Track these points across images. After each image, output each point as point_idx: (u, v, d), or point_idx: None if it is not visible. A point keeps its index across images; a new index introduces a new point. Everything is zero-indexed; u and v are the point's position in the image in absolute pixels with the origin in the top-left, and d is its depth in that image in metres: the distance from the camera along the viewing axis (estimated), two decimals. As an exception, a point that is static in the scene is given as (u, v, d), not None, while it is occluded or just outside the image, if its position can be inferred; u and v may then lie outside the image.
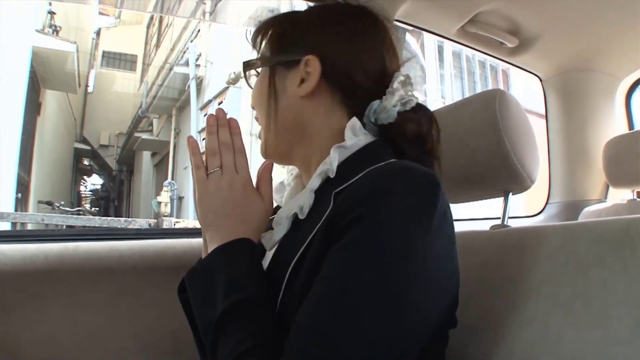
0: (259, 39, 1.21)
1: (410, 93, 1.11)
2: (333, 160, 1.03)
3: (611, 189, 2.68)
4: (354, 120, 1.09)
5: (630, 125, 2.94)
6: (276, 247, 1.07)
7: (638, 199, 2.49)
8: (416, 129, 1.08)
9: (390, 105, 1.07)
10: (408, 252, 0.85)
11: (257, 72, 1.23)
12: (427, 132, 1.09)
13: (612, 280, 0.97)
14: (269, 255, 1.08)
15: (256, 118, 1.22)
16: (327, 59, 1.11)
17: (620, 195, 2.69)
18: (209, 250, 1.01)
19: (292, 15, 1.23)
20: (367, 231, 0.86)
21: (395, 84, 1.10)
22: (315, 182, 1.04)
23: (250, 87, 1.23)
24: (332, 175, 1.02)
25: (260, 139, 1.20)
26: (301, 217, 1.02)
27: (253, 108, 1.22)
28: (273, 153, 1.19)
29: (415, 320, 0.85)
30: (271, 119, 1.14)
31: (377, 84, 1.12)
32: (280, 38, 1.17)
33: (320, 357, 0.78)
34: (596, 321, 0.96)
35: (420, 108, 1.11)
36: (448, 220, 0.94)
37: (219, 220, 1.03)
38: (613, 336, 0.93)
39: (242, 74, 1.21)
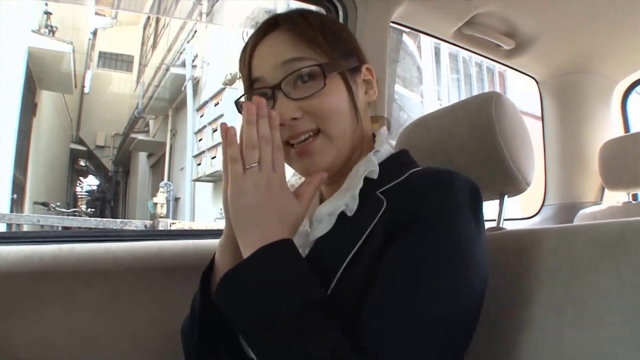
0: (311, 33, 1.11)
1: None
2: (375, 164, 1.09)
3: (607, 191, 2.68)
4: (385, 129, 1.17)
5: (626, 127, 2.96)
6: (312, 244, 1.09)
7: (633, 202, 2.49)
8: None
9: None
10: (469, 243, 0.95)
11: (305, 74, 1.09)
12: None
13: (605, 285, 0.97)
14: None
15: (307, 133, 1.09)
16: None
17: (616, 198, 2.69)
18: (247, 252, 0.95)
19: (331, 18, 1.24)
20: (437, 226, 0.94)
21: None
22: (359, 183, 1.07)
23: (299, 91, 1.09)
24: (375, 177, 1.08)
25: (314, 154, 1.10)
26: (349, 214, 1.05)
27: (292, 119, 1.08)
28: (334, 167, 1.12)
29: (478, 303, 0.95)
30: (351, 128, 1.12)
31: None
32: (341, 41, 1.15)
33: (405, 341, 0.85)
34: (590, 325, 0.97)
35: None
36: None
37: (256, 221, 0.97)
38: (607, 339, 0.93)
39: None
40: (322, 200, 1.20)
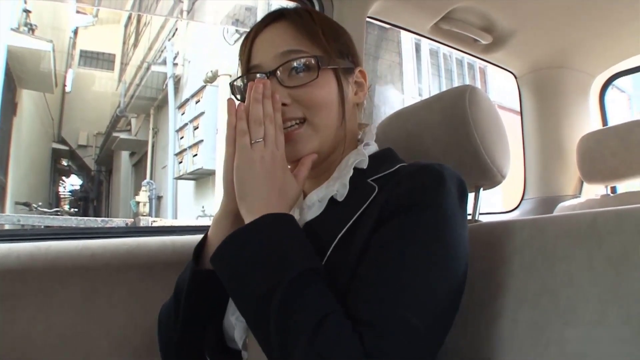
0: (313, 28, 1.17)
1: None
2: (364, 155, 1.16)
3: (585, 185, 2.70)
4: (375, 125, 1.23)
5: (604, 121, 2.98)
6: (302, 227, 1.12)
7: (611, 194, 2.51)
8: None
9: None
10: (457, 232, 0.99)
11: (302, 65, 1.14)
12: None
13: (578, 275, 0.98)
14: None
15: (293, 120, 1.14)
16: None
17: (595, 191, 2.71)
18: (248, 218, 1.01)
19: (333, 20, 1.27)
20: (429, 212, 0.98)
21: None
22: (349, 171, 1.13)
23: (292, 82, 1.14)
24: (364, 167, 1.14)
25: (297, 141, 1.14)
26: (340, 199, 1.10)
27: (284, 104, 1.12)
28: (321, 159, 1.17)
29: (460, 289, 0.99)
30: (336, 122, 1.16)
31: None
32: (338, 41, 1.21)
33: (397, 313, 0.88)
34: (564, 315, 0.97)
35: None
36: None
37: (261, 191, 1.03)
38: (580, 328, 0.94)
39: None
40: (305, 194, 1.23)
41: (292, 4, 2.16)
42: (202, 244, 1.19)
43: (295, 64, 1.13)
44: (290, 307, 0.88)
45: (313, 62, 1.13)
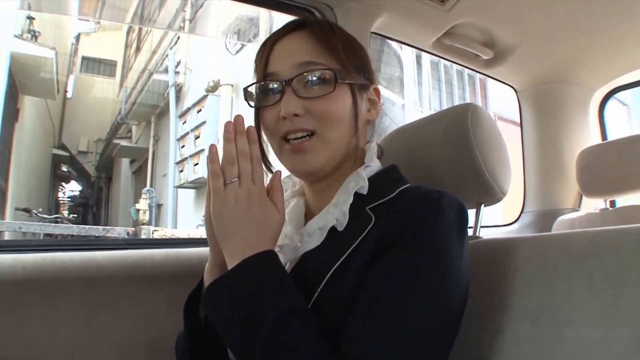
0: (332, 40, 1.16)
1: None
2: (364, 179, 1.11)
3: (585, 198, 2.71)
4: (375, 144, 1.19)
5: (604, 135, 2.99)
6: (299, 257, 1.12)
7: (610, 208, 2.52)
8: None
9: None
10: (452, 262, 0.98)
11: (316, 78, 1.13)
12: None
13: (577, 293, 1.00)
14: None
15: (304, 132, 1.12)
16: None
17: (594, 204, 2.72)
18: (232, 262, 0.99)
19: (352, 36, 1.26)
20: (424, 244, 0.97)
21: None
22: (349, 198, 1.10)
23: (313, 94, 1.12)
24: (365, 192, 1.11)
25: (307, 152, 1.13)
26: (340, 229, 1.08)
27: (293, 115, 1.11)
28: (323, 170, 1.16)
29: (455, 320, 0.98)
30: (347, 137, 1.15)
31: None
32: (356, 57, 1.20)
33: (384, 351, 0.88)
34: (563, 330, 0.99)
35: None
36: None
37: (240, 232, 1.01)
38: (580, 343, 0.95)
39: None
40: (307, 208, 1.25)
41: (284, 16, 2.19)
42: (196, 291, 1.22)
43: (311, 76, 1.12)
44: (272, 354, 0.88)
45: (330, 75, 1.11)
